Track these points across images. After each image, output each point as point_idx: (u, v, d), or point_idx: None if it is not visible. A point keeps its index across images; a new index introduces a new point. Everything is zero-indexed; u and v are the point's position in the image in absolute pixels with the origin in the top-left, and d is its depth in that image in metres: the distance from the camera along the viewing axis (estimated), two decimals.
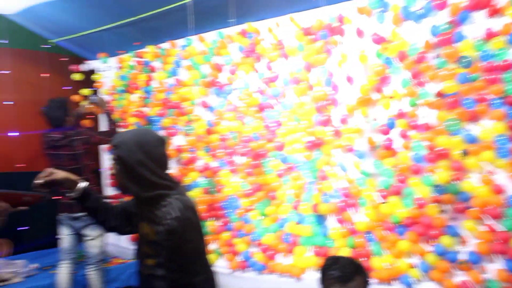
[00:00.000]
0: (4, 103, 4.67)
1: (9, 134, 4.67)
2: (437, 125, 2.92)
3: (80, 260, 4.11)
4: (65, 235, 3.92)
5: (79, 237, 3.95)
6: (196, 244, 1.90)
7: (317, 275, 1.94)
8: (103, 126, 4.77)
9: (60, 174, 1.98)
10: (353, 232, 3.24)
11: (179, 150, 4.28)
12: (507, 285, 2.72)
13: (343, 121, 3.30)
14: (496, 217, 2.74)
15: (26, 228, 4.65)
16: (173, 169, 4.36)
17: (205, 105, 4.10)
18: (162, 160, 1.95)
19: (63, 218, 3.91)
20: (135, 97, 4.67)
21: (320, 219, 3.42)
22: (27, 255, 4.51)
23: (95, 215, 2.11)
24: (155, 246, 1.93)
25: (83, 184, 2.03)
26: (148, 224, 1.97)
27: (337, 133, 3.32)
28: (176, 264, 1.89)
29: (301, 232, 3.49)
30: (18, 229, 4.70)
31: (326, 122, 3.36)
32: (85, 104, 4.30)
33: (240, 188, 3.87)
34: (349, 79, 3.27)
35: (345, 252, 3.20)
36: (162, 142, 1.99)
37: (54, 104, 3.85)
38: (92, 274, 3.87)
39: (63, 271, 3.83)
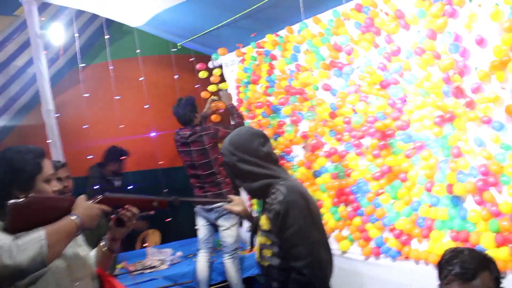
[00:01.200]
0: (144, 107, 5.10)
1: (150, 134, 5.11)
2: None
3: (217, 249, 4.33)
4: (201, 226, 4.16)
5: (214, 227, 4.16)
6: (300, 227, 1.85)
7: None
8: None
9: (239, 208, 2.22)
10: (496, 214, 2.86)
11: (305, 137, 4.23)
12: None
13: (477, 89, 2.91)
14: None
15: (170, 219, 5.04)
16: (299, 156, 4.33)
17: (326, 88, 3.98)
18: (260, 153, 2.00)
19: (199, 210, 4.15)
20: (259, 87, 4.72)
21: (457, 200, 3.08)
22: (172, 244, 4.89)
23: None
24: (269, 235, 1.93)
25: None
26: (263, 214, 1.99)
27: (470, 104, 2.94)
28: (283, 251, 1.87)
29: (436, 216, 3.19)
30: (165, 220, 5.12)
31: (457, 93, 3.01)
32: (210, 102, 4.48)
33: (368, 171, 3.69)
34: (480, 42, 2.87)
35: (489, 237, 2.84)
36: (255, 137, 2.03)
37: (182, 103, 4.09)
38: (228, 262, 4.04)
39: (201, 260, 4.07)
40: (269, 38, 4.43)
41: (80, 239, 1.92)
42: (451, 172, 3.06)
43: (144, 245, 5.07)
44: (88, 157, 4.90)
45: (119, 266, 4.31)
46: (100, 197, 1.79)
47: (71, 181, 3.11)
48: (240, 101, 4.97)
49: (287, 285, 1.91)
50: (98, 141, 5.09)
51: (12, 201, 1.57)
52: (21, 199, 1.59)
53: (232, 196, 2.27)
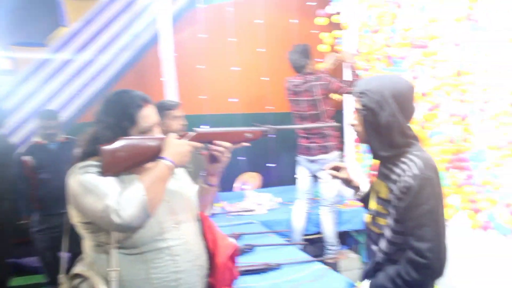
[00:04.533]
0: (257, 50, 5.06)
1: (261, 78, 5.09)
2: None
3: (315, 199, 4.28)
4: (301, 176, 4.11)
5: (315, 179, 4.09)
6: (431, 207, 1.66)
7: None
8: (346, 76, 4.66)
9: (343, 175, 2.03)
10: None
11: (424, 95, 3.91)
12: None
13: None
14: None
15: (273, 165, 5.08)
16: (416, 114, 4.02)
17: (456, 43, 3.59)
18: (411, 113, 1.76)
19: (301, 160, 4.09)
20: (380, 37, 4.41)
21: None
22: (272, 189, 4.92)
23: None
24: (386, 205, 1.78)
25: (364, 189, 2.03)
26: (382, 180, 1.82)
27: None
28: (403, 227, 1.71)
29: None
30: (266, 164, 5.18)
31: None
32: (334, 59, 4.27)
33: (491, 139, 3.33)
34: None
35: None
36: (412, 92, 1.77)
37: (297, 49, 3.95)
38: (325, 215, 3.98)
39: (298, 209, 4.05)
40: None
41: (184, 178, 1.93)
42: None
43: (243, 186, 5.18)
44: (200, 97, 5.03)
45: (218, 205, 4.46)
46: (191, 133, 1.76)
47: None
48: (359, 51, 4.72)
49: (393, 257, 1.77)
50: (212, 82, 5.19)
51: (104, 146, 1.60)
52: (113, 144, 1.61)
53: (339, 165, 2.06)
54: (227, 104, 5.28)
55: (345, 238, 4.54)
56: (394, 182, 1.72)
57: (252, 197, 4.53)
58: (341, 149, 4.22)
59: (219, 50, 5.21)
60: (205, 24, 4.88)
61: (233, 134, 1.83)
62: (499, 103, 3.24)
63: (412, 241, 1.67)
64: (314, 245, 4.18)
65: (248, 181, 5.19)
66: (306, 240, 4.12)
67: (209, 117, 5.07)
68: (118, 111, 1.67)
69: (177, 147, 1.67)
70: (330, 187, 3.96)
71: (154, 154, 1.66)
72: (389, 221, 1.76)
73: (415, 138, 1.77)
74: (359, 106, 1.76)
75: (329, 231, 4.01)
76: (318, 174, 3.99)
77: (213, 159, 1.83)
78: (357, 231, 4.45)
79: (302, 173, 4.12)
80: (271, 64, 5.14)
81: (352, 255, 4.47)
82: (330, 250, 4.04)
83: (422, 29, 3.85)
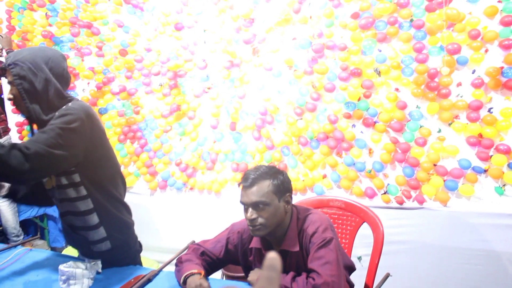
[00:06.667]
0: None
1: None
2: (351, 46, 3.09)
3: None
4: None
5: None
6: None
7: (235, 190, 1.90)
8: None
9: None
10: (270, 147, 3.41)
11: (93, 72, 4.09)
12: (404, 189, 3.07)
13: (262, 40, 3.35)
14: (399, 130, 3.02)
15: None
16: (85, 91, 4.18)
17: (119, 24, 3.92)
18: (66, 77, 1.87)
19: None
20: (39, 15, 4.30)
21: (239, 137, 3.53)
22: None
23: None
24: None
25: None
26: None
27: (256, 52, 3.38)
28: None
29: (220, 150, 3.61)
30: None
31: (245, 41, 3.39)
32: None
33: (157, 109, 3.85)
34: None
35: None
36: (64, 58, 1.89)
37: None
38: (4, 206, 3.72)
39: None
40: None
41: None
42: (235, 111, 3.49)
43: None
44: None
45: None
46: None
47: None
48: (12, 28, 4.44)
49: None
50: None
51: None
52: None
53: None
54: None
55: (27, 226, 4.31)
56: None
57: None
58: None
59: None
60: None
61: None
62: (162, 78, 3.77)
63: None
64: None
65: None
66: None
67: None
68: None
69: None
70: None
71: None
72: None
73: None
74: (11, 78, 1.77)
75: (11, 222, 3.77)
76: None
77: None
78: (39, 217, 4.30)
79: None
80: None
81: (39, 242, 4.32)
82: (15, 241, 3.81)
83: (84, 10, 4.01)
